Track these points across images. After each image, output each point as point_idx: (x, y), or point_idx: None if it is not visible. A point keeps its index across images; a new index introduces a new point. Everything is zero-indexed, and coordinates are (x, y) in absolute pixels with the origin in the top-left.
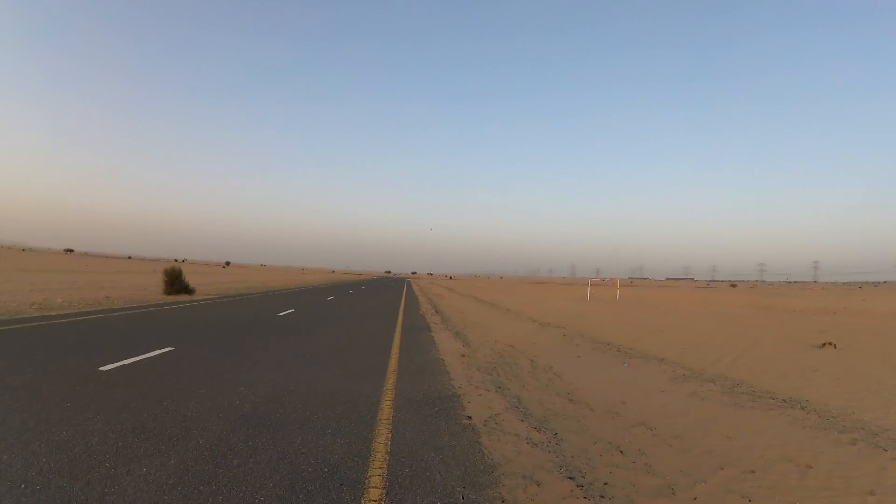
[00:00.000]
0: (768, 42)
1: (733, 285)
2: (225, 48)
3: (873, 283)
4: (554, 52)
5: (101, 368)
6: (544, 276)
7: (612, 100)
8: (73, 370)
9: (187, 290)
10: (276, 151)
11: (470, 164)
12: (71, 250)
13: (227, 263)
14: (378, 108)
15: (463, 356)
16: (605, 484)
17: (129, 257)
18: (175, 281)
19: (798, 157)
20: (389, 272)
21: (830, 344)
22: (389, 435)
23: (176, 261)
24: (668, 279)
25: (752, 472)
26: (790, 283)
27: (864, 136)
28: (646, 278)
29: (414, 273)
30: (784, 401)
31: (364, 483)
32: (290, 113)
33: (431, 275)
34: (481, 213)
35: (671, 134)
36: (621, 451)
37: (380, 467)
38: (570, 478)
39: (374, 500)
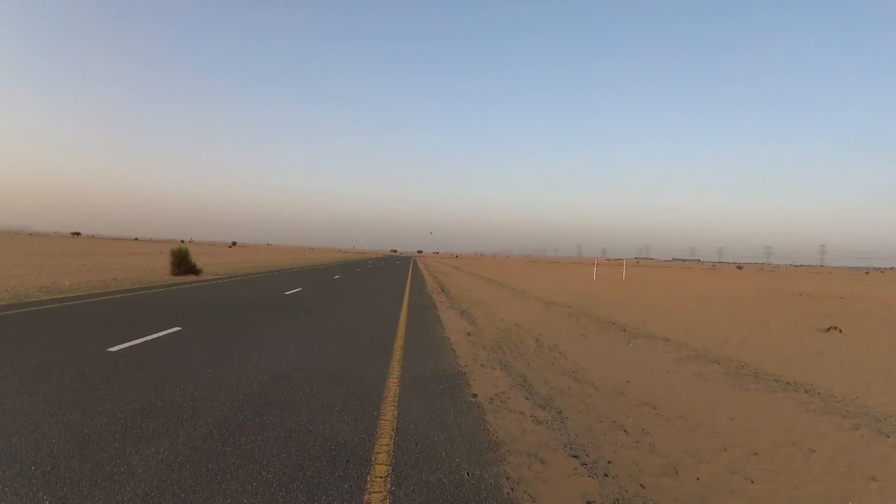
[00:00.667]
0: (774, 18)
1: (739, 267)
2: (233, 28)
3: (880, 268)
4: (568, 27)
5: (110, 350)
6: (550, 255)
7: (624, 80)
8: (81, 352)
9: (194, 270)
10: (282, 131)
11: (478, 143)
12: (78, 233)
13: (234, 243)
14: (386, 87)
15: (469, 335)
16: (609, 463)
17: (136, 239)
18: (182, 262)
19: (807, 140)
20: (395, 251)
21: (836, 329)
22: (395, 412)
23: (182, 241)
24: (674, 260)
25: (756, 454)
26: (797, 266)
27: (875, 122)
28: (652, 259)
29: (420, 252)
30: (788, 384)
31: (370, 460)
32: (297, 93)
33: (437, 253)
34: (487, 191)
35: (681, 116)
36: (625, 431)
37: (386, 444)
38: (574, 456)
39: (381, 477)
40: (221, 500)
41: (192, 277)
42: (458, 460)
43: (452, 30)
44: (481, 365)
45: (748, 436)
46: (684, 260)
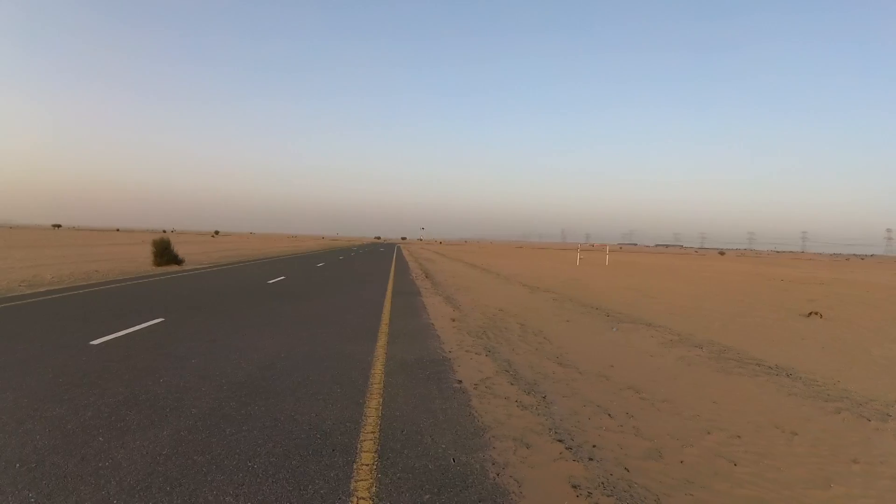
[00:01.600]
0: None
1: (722, 253)
2: (210, 18)
3: (860, 255)
4: (546, 12)
5: (93, 342)
6: (535, 240)
7: (612, 71)
8: (64, 346)
9: (177, 260)
10: (263, 119)
11: (464, 131)
12: (58, 226)
13: (217, 233)
14: (371, 77)
15: (453, 320)
16: (594, 446)
17: (118, 230)
18: (164, 252)
19: (790, 128)
20: (379, 238)
21: (817, 313)
22: (381, 399)
23: (165, 231)
24: (657, 246)
25: (739, 437)
26: (779, 252)
27: (857, 112)
28: (636, 245)
29: (404, 238)
30: (771, 368)
31: (356, 448)
32: (281, 85)
33: (421, 240)
34: (473, 178)
35: (669, 107)
36: (610, 415)
37: (372, 432)
38: (559, 440)
39: (367, 465)
40: (208, 492)
41: (174, 268)
42: (444, 446)
43: (437, 21)
44: (466, 350)
45: (732, 419)
46: (668, 246)
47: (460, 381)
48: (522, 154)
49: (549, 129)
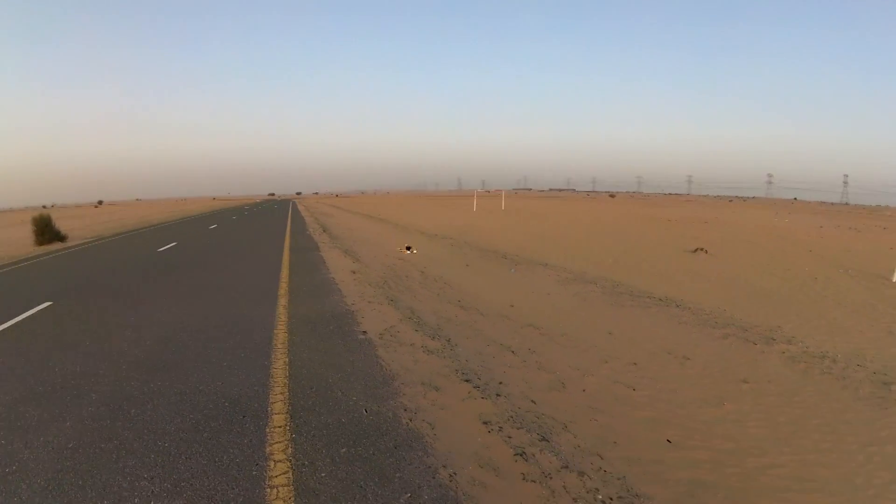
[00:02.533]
0: None
1: (612, 196)
2: None
3: (743, 197)
4: None
5: None
6: (431, 189)
7: (486, 14)
8: None
9: (59, 237)
10: (150, 73)
11: (356, 82)
12: None
13: (100, 202)
14: (260, 27)
15: (354, 273)
16: (500, 383)
17: None
18: (45, 229)
19: (675, 75)
20: (274, 195)
21: (703, 250)
22: (287, 359)
23: (45, 207)
24: (551, 190)
25: (635, 364)
26: (666, 194)
27: (744, 56)
28: (530, 189)
29: (299, 194)
30: (661, 300)
31: (267, 411)
32: (151, 25)
33: (317, 194)
34: (368, 129)
35: (556, 49)
36: (513, 352)
37: (281, 393)
38: (466, 380)
39: (280, 427)
40: (122, 479)
41: (58, 245)
42: (354, 398)
43: None
44: (369, 302)
45: (627, 348)
46: (560, 190)
47: (365, 332)
48: (417, 105)
49: (443, 80)
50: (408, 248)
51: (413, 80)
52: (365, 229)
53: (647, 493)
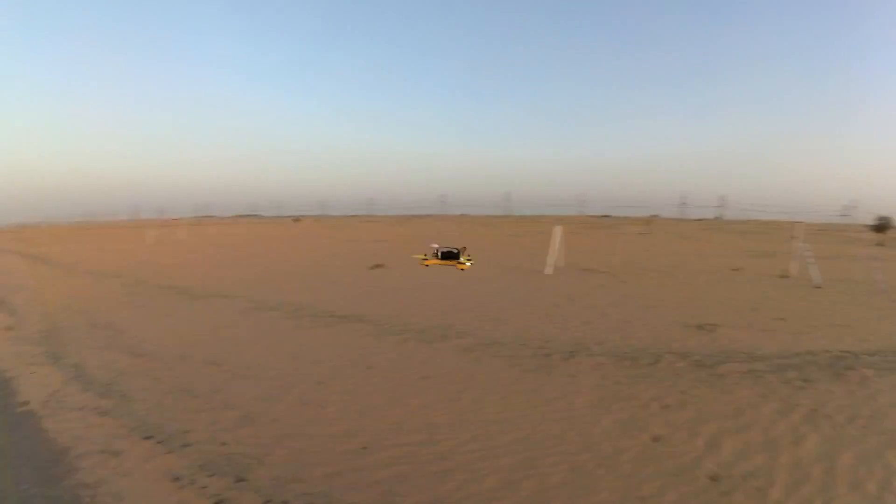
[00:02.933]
0: None
1: (296, 220)
2: None
3: (421, 216)
4: None
5: None
6: (104, 219)
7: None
8: None
9: None
10: None
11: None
12: None
13: None
14: None
15: (8, 329)
16: (186, 432)
17: None
18: None
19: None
20: None
21: (381, 265)
22: None
23: None
24: (236, 216)
25: (321, 383)
26: (349, 216)
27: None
28: (213, 216)
29: None
30: (345, 317)
31: None
32: None
33: None
34: (27, 149)
35: (227, 70)
36: (196, 395)
37: None
38: (148, 437)
39: None
40: None
41: None
42: (25, 486)
43: None
44: (28, 363)
45: (312, 368)
46: (246, 216)
47: (27, 402)
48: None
49: (108, 98)
50: None
51: (76, 99)
52: (20, 272)
53: (353, 502)
